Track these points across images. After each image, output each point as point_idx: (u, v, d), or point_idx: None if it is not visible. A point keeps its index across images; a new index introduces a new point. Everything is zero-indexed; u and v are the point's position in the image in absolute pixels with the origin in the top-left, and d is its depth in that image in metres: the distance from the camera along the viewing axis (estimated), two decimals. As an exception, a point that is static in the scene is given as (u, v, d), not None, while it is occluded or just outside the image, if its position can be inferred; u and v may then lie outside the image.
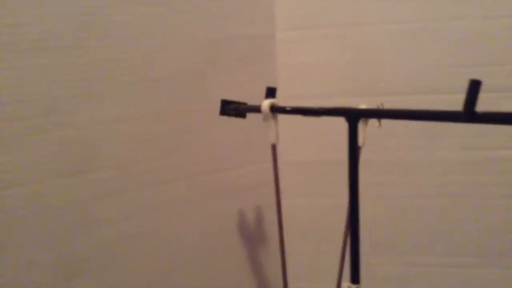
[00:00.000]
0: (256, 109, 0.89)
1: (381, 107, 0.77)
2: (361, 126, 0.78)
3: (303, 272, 1.26)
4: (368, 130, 0.81)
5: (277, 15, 1.14)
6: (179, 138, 1.08)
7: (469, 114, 0.59)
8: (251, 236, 1.24)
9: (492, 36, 1.06)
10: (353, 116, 0.76)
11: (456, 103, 0.62)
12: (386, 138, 1.11)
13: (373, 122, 0.78)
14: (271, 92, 0.92)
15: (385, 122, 0.77)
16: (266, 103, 0.87)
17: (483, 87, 0.58)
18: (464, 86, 0.60)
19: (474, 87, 0.60)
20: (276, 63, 1.17)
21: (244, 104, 0.98)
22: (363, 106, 0.79)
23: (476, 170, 1.14)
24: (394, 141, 1.14)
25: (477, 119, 0.59)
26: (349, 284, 0.80)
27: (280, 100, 1.15)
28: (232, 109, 0.97)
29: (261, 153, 1.20)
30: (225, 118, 0.99)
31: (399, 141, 1.15)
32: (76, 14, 0.92)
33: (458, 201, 1.16)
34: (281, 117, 1.07)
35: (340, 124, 0.78)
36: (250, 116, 0.97)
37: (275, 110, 0.87)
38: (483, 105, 0.60)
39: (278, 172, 0.97)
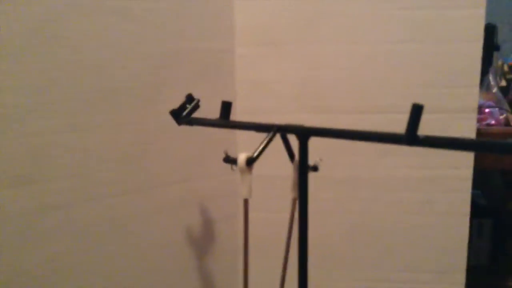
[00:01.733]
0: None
1: (318, 163, 0.87)
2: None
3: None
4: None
5: (237, 30, 1.14)
6: (135, 150, 1.06)
7: (411, 137, 0.61)
8: (208, 249, 1.22)
9: (442, 59, 1.10)
10: (303, 134, 0.78)
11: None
12: (337, 154, 1.13)
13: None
14: (226, 107, 0.90)
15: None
16: (242, 158, 0.80)
17: (433, 108, 0.59)
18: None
19: (416, 111, 0.61)
20: (234, 77, 1.17)
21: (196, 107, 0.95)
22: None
23: (424, 188, 1.17)
24: (344, 157, 1.16)
25: (418, 143, 0.61)
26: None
27: (238, 115, 1.16)
28: (188, 121, 0.95)
29: (219, 165, 1.19)
30: (182, 130, 0.97)
31: (349, 157, 1.17)
32: (29, 20, 0.89)
33: (406, 218, 1.19)
34: (239, 132, 1.08)
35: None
36: (208, 128, 0.94)
37: (251, 162, 0.80)
38: (432, 125, 0.62)
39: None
